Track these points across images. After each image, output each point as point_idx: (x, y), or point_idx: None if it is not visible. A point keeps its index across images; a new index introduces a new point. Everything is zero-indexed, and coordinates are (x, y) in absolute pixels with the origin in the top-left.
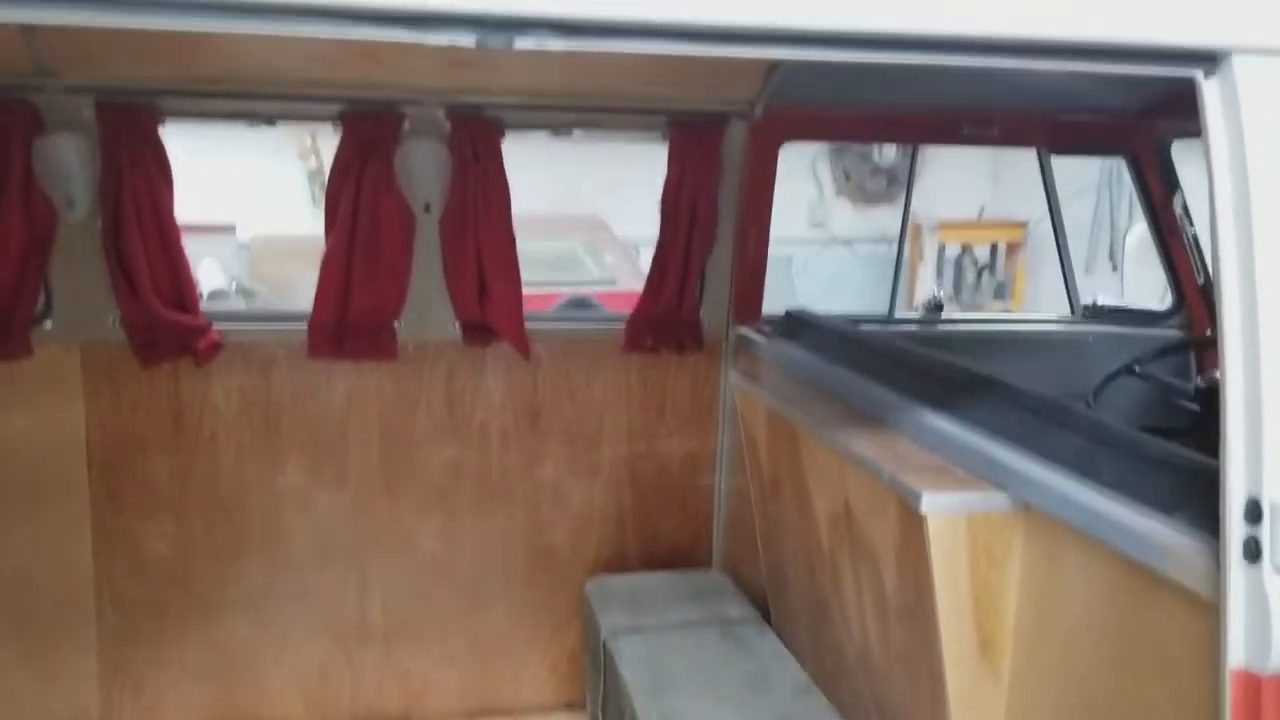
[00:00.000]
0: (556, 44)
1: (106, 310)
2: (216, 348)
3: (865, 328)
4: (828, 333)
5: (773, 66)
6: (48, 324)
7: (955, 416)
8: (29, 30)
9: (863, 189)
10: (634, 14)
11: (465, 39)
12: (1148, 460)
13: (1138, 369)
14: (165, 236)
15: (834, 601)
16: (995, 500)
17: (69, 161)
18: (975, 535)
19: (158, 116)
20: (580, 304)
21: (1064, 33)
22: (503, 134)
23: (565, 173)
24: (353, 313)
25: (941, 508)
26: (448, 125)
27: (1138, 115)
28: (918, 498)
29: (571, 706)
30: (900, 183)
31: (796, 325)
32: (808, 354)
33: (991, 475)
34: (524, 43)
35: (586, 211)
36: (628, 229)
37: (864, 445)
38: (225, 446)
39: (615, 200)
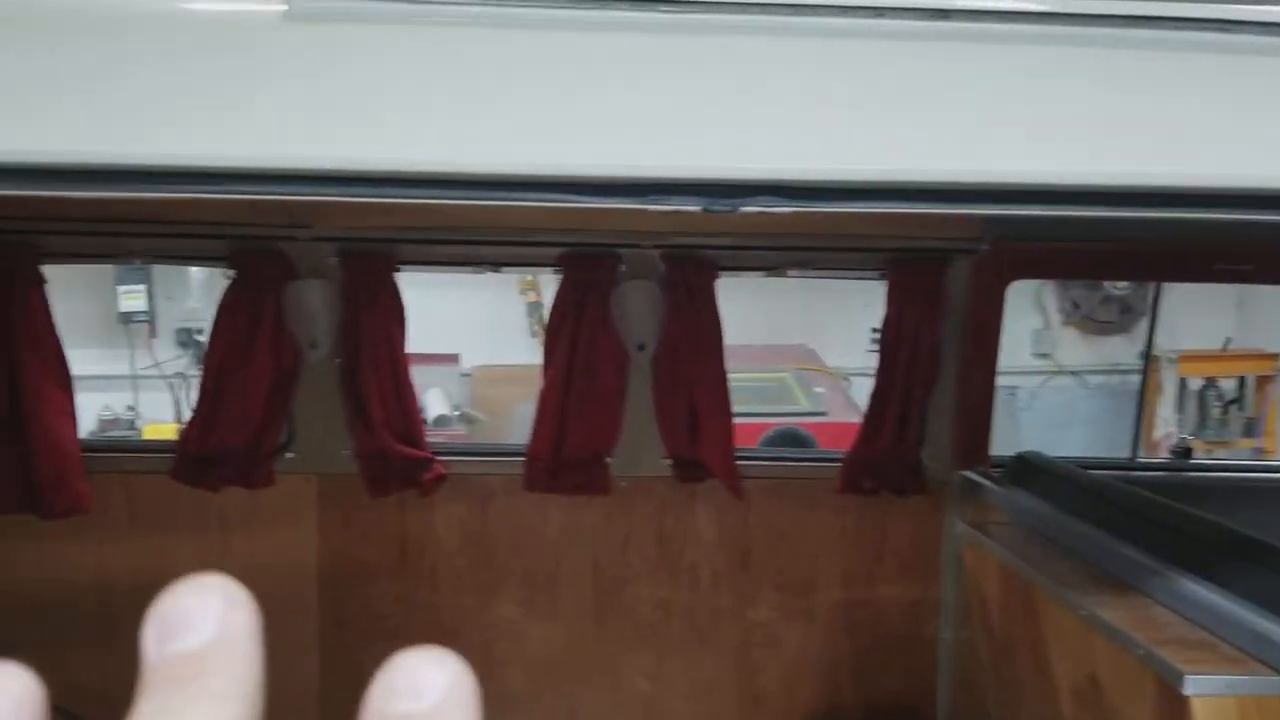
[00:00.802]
0: (781, 208)
1: (341, 443)
2: (440, 479)
3: (1106, 475)
4: (1066, 481)
5: None
6: (289, 455)
7: (1217, 583)
8: None
9: (1093, 318)
10: (858, 176)
11: (691, 206)
12: None
13: None
14: (397, 375)
15: None
16: (1270, 683)
17: (314, 305)
18: None
19: (393, 263)
20: (789, 435)
21: None
22: (717, 274)
23: (775, 303)
24: (568, 448)
25: (1208, 690)
26: (662, 266)
27: None
28: (1180, 678)
29: None
30: (1134, 311)
31: (1030, 471)
32: (1043, 503)
33: (1261, 653)
34: (749, 208)
35: (796, 341)
36: (838, 359)
37: (1113, 613)
38: (445, 576)
39: (826, 330)
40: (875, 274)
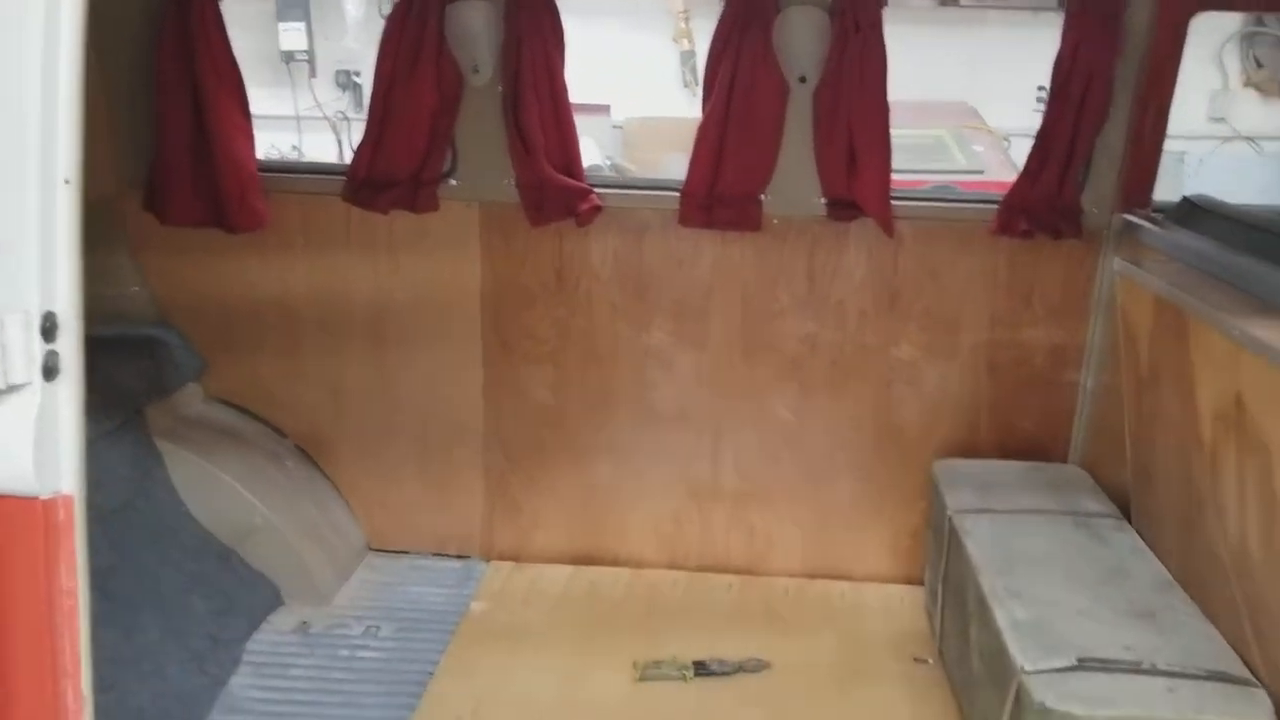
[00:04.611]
0: None
1: (503, 172)
2: (596, 211)
3: (1276, 210)
4: (1231, 220)
5: None
6: (453, 182)
7: None
8: None
9: (1277, 79)
10: None
11: None
12: None
13: None
14: (557, 103)
15: (1210, 500)
16: None
17: (476, 27)
18: None
19: None
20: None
21: None
22: (885, 2)
23: (937, 55)
24: (723, 183)
25: None
26: None
27: None
28: None
29: (910, 582)
30: None
31: (1196, 212)
32: (1208, 243)
33: None
34: None
35: (957, 98)
36: (1001, 119)
37: (1267, 332)
38: (600, 304)
39: (990, 87)
40: (1051, 3)
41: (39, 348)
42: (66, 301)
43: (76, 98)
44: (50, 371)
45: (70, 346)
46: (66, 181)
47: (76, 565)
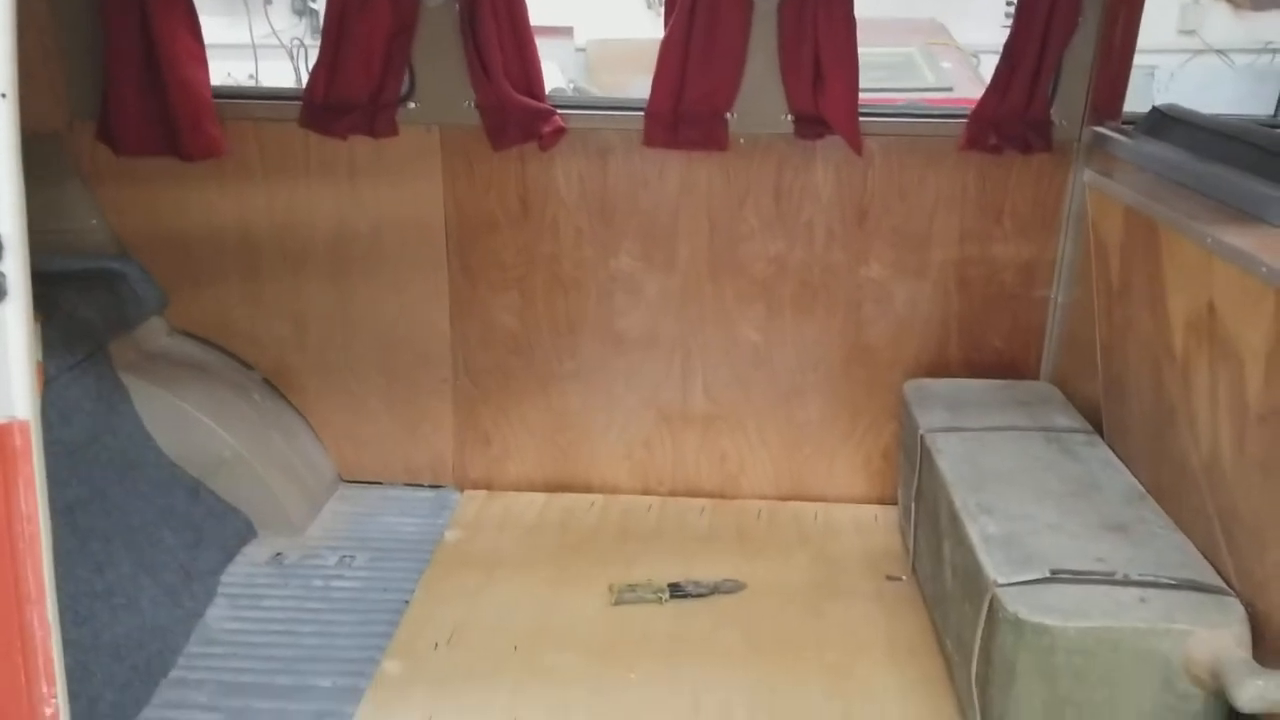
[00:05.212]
0: None
1: (463, 94)
2: (560, 133)
3: (1246, 119)
4: (1204, 129)
5: None
6: (412, 105)
7: None
8: None
9: None
10: None
11: None
12: None
13: None
14: (516, 22)
15: (1180, 409)
16: None
17: None
18: None
19: None
20: None
21: None
22: None
23: None
24: (687, 101)
25: None
26: None
27: None
28: None
29: (883, 502)
30: None
31: (1166, 122)
32: (1178, 152)
33: None
34: None
35: (926, 15)
36: (971, 35)
37: (1238, 239)
38: (565, 229)
39: (956, 5)
40: None
41: None
42: (10, 222)
43: (9, 8)
44: None
45: (16, 267)
46: (3, 95)
47: (36, 491)
